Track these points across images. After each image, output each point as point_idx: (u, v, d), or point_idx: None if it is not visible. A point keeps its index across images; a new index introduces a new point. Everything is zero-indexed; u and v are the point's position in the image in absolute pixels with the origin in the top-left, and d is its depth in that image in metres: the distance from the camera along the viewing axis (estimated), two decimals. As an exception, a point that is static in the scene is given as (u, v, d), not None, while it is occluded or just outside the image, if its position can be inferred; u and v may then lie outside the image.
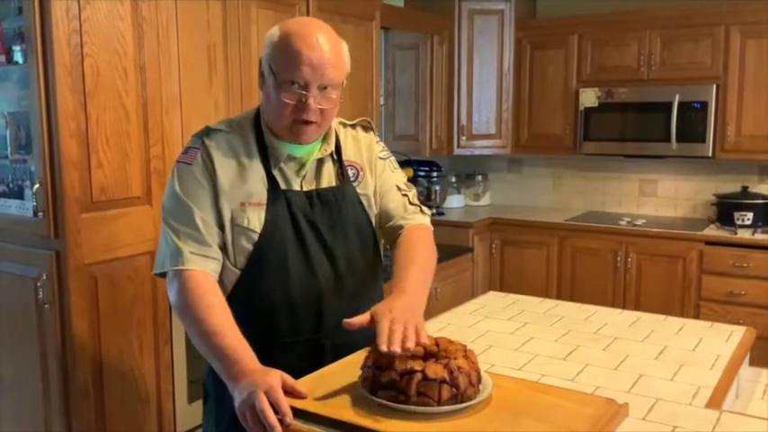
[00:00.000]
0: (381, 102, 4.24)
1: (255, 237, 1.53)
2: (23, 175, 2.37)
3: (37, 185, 2.27)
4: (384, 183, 1.70)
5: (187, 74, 2.62)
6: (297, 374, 1.37)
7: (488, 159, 5.01)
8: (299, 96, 1.48)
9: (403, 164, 4.46)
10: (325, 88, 1.50)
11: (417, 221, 1.70)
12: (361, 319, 1.37)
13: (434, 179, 4.63)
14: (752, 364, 1.90)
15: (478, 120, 4.64)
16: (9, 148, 2.40)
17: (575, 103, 4.39)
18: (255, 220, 1.53)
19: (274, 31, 1.53)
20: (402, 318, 1.33)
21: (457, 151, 4.67)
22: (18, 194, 2.39)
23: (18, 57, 2.30)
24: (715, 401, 1.44)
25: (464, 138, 4.64)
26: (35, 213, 2.29)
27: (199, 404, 2.69)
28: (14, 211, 2.41)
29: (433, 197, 4.62)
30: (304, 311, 1.56)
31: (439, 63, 4.49)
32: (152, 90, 2.49)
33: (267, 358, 1.40)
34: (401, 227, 1.68)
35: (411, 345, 1.28)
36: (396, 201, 1.70)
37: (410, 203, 1.72)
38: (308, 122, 1.51)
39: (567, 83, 4.43)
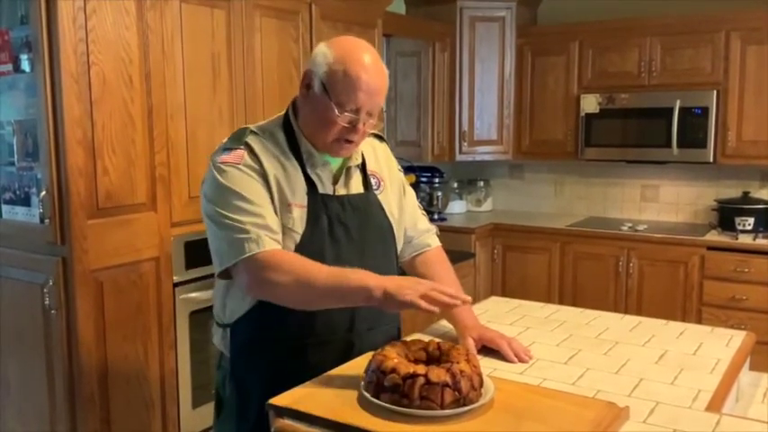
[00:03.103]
0: (384, 108, 4.26)
1: (298, 237, 1.57)
2: (30, 182, 2.39)
3: (43, 192, 2.30)
4: (409, 199, 1.84)
5: (191, 82, 2.64)
6: None
7: (490, 165, 5.02)
8: (351, 120, 1.54)
9: (405, 170, 4.47)
10: (371, 114, 1.57)
11: (437, 243, 1.90)
12: (473, 347, 1.69)
13: (436, 185, 4.66)
14: (752, 368, 1.91)
15: (480, 126, 4.66)
16: (16, 156, 2.43)
17: (576, 108, 4.40)
18: (298, 220, 1.57)
19: (326, 50, 1.56)
20: (506, 336, 1.74)
21: (459, 157, 4.68)
22: (25, 201, 2.42)
23: (25, 65, 2.33)
24: (715, 405, 1.45)
25: (466, 144, 4.66)
26: (42, 220, 2.32)
27: (203, 409, 2.72)
28: (21, 218, 2.44)
29: (435, 203, 4.64)
30: (339, 310, 1.59)
31: (441, 70, 4.51)
32: (157, 98, 2.51)
33: (302, 357, 1.43)
34: (426, 245, 1.87)
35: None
36: (421, 219, 1.88)
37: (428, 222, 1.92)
38: (350, 141, 1.58)
39: (569, 89, 4.44)
